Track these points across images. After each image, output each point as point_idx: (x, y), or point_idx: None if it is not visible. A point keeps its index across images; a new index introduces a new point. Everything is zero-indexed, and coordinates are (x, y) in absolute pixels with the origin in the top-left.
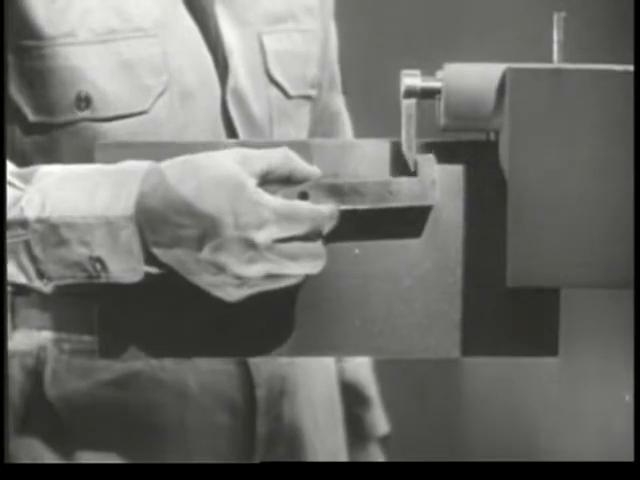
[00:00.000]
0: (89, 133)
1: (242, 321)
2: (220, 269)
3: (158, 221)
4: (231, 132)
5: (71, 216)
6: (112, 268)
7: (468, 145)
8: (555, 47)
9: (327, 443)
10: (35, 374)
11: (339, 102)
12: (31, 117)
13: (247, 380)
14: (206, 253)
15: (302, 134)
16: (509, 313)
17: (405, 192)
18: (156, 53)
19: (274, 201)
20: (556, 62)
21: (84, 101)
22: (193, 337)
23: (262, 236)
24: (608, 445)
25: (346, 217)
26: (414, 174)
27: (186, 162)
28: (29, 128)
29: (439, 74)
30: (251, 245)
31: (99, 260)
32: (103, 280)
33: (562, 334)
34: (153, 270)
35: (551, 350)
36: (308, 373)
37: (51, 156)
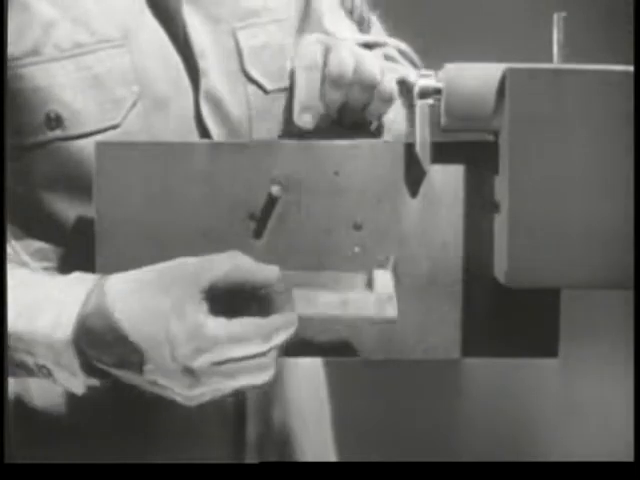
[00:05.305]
0: (62, 152)
1: None
2: (163, 389)
3: (99, 342)
4: (206, 137)
5: (16, 330)
6: (57, 377)
7: (468, 145)
8: (555, 47)
9: (315, 444)
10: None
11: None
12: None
13: None
14: (147, 376)
15: (281, 127)
16: (509, 313)
17: (361, 306)
18: (125, 63)
19: (215, 326)
20: (556, 62)
21: (54, 121)
22: None
23: (199, 363)
24: (608, 445)
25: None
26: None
27: (134, 281)
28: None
29: (439, 74)
30: (189, 372)
31: (45, 367)
32: (51, 381)
33: (562, 334)
34: (96, 383)
35: (551, 350)
36: (295, 374)
37: (27, 179)
